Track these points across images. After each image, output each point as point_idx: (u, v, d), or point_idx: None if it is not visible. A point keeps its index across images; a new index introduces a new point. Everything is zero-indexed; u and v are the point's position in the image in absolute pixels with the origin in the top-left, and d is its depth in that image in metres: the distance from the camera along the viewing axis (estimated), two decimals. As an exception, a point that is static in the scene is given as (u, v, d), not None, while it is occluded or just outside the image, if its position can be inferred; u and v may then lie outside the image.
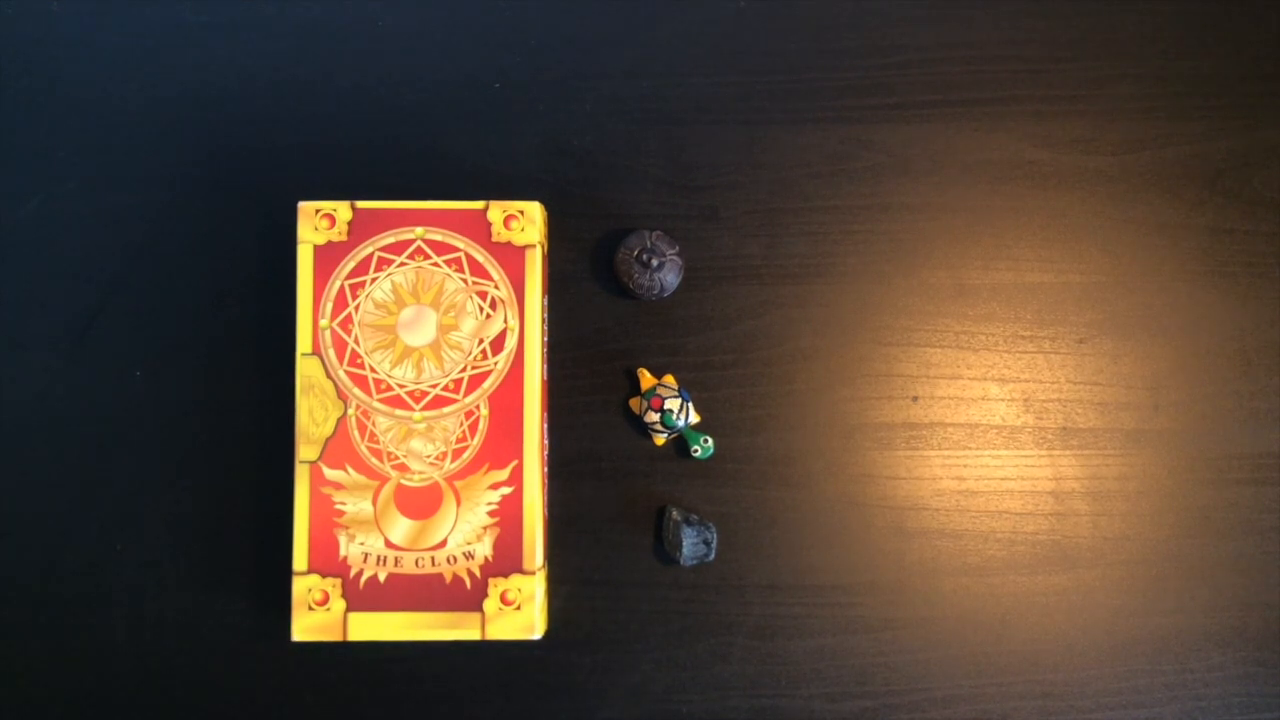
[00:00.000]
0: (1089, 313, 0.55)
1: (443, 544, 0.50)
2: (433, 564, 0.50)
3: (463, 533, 0.50)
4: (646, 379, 0.54)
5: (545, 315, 0.53)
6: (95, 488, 0.54)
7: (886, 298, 0.55)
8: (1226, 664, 0.54)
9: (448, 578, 0.49)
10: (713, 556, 0.53)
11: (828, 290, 0.55)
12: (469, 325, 0.51)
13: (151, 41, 0.56)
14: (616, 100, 0.56)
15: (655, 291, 0.53)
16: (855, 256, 0.55)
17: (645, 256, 0.52)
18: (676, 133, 0.56)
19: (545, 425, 0.52)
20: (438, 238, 0.51)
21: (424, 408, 0.50)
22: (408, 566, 0.49)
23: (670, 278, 0.53)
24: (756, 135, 0.56)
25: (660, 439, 0.54)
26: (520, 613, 0.49)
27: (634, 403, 0.54)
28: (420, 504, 0.50)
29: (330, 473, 0.50)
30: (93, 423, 0.54)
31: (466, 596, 0.49)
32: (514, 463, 0.50)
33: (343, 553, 0.49)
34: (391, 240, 0.51)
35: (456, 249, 0.51)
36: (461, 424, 0.50)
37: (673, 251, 0.53)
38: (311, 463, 0.50)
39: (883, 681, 0.53)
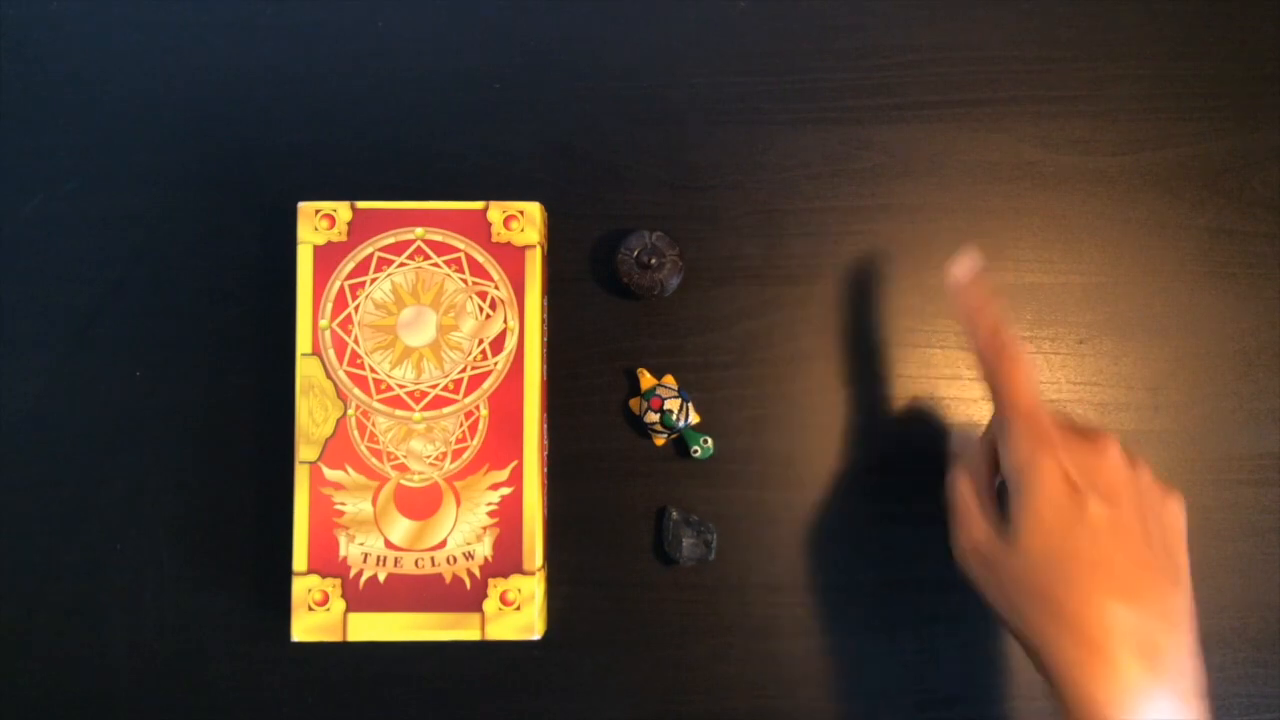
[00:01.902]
0: (1089, 313, 0.55)
1: (442, 544, 0.50)
2: (432, 564, 0.50)
3: (462, 533, 0.50)
4: (646, 379, 0.54)
5: (545, 315, 0.53)
6: (95, 488, 0.54)
7: (886, 298, 0.55)
8: (1226, 664, 0.54)
9: (447, 578, 0.50)
10: (713, 556, 0.53)
11: (828, 291, 0.55)
12: (469, 326, 0.51)
13: (151, 41, 0.56)
14: (616, 100, 0.56)
15: (655, 292, 0.53)
16: (855, 257, 0.55)
17: (645, 257, 0.52)
18: (676, 133, 0.56)
19: (545, 425, 0.52)
20: (438, 238, 0.51)
21: (424, 408, 0.50)
22: (407, 567, 0.50)
23: (670, 278, 0.53)
24: (756, 135, 0.56)
25: (660, 439, 0.54)
26: (520, 613, 0.49)
27: (634, 403, 0.54)
28: (420, 504, 0.50)
29: (330, 473, 0.50)
30: (93, 423, 0.54)
31: (466, 597, 0.49)
32: (514, 463, 0.50)
33: (342, 553, 0.50)
34: (391, 240, 0.51)
35: (456, 249, 0.51)
36: (461, 424, 0.50)
37: (673, 252, 0.53)
38: (311, 463, 0.50)
39: (883, 682, 0.53)
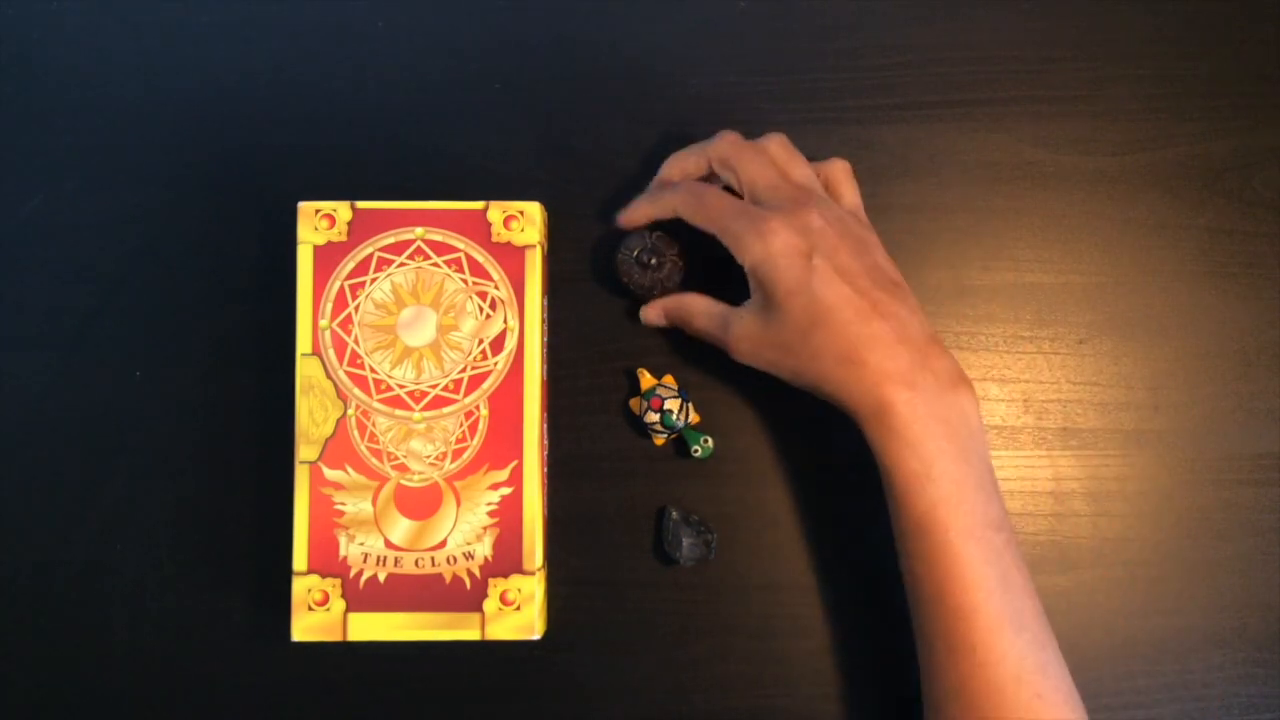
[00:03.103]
0: (1089, 313, 0.55)
1: (442, 544, 0.50)
2: (432, 564, 0.50)
3: (462, 533, 0.50)
4: (646, 379, 0.54)
5: (545, 315, 0.53)
6: (95, 488, 0.54)
7: (886, 298, 0.55)
8: (1226, 664, 0.54)
9: (447, 578, 0.50)
10: (712, 556, 0.53)
11: (828, 290, 0.55)
12: (469, 325, 0.51)
13: (151, 41, 0.56)
14: (616, 100, 0.56)
15: (655, 292, 0.53)
16: (855, 257, 0.55)
17: (645, 257, 0.52)
18: (677, 133, 0.56)
19: (545, 425, 0.52)
20: (438, 238, 0.51)
21: (424, 408, 0.50)
22: (407, 567, 0.50)
23: (670, 278, 0.53)
24: (756, 135, 0.56)
25: (660, 439, 0.54)
26: (520, 613, 0.49)
27: (634, 403, 0.54)
28: (420, 504, 0.50)
29: (330, 473, 0.50)
30: (93, 423, 0.54)
31: (466, 597, 0.49)
32: (514, 463, 0.50)
33: (343, 553, 0.50)
34: (391, 240, 0.51)
35: (456, 249, 0.51)
36: (461, 424, 0.50)
37: (672, 252, 0.53)
38: (311, 463, 0.50)
39: (883, 681, 0.53)
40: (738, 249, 0.48)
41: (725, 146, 0.50)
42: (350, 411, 0.50)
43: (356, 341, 0.50)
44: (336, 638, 0.49)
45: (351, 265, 0.51)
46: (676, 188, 0.51)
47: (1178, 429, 0.55)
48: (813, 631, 0.54)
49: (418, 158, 0.56)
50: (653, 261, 0.52)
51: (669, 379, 0.54)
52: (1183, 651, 0.54)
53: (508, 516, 0.50)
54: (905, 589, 0.46)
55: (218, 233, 0.55)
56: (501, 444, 0.50)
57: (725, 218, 0.48)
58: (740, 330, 0.49)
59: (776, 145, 0.51)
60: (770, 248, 0.46)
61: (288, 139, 0.56)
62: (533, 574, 0.50)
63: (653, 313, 0.53)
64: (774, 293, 0.47)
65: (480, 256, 0.51)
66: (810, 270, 0.46)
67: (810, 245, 0.46)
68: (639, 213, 0.52)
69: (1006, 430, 0.55)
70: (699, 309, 0.51)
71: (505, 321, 0.51)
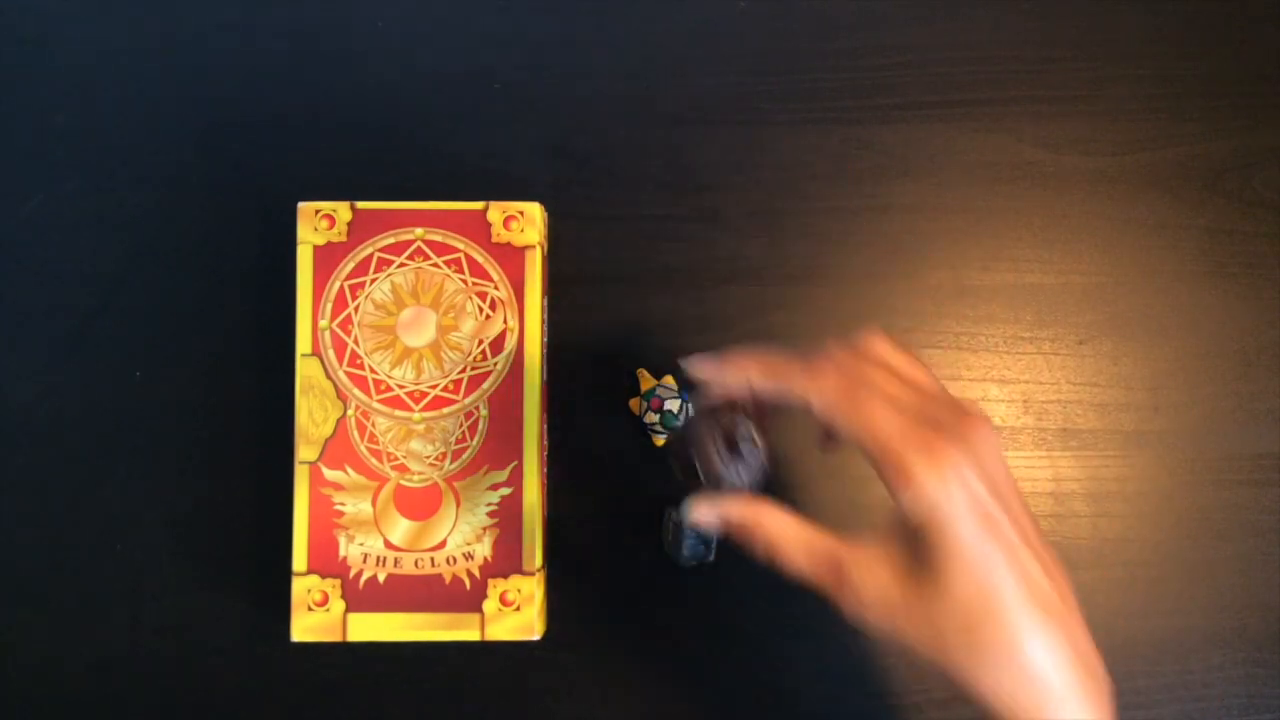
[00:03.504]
0: (1089, 313, 0.55)
1: (442, 545, 0.50)
2: (432, 565, 0.50)
3: (462, 533, 0.50)
4: (646, 379, 0.54)
5: (545, 315, 0.53)
6: (95, 488, 0.54)
7: (886, 299, 0.55)
8: (1226, 665, 0.54)
9: (447, 578, 0.50)
10: (712, 557, 0.53)
11: (828, 292, 0.55)
12: (469, 326, 0.51)
13: (151, 42, 0.56)
14: (616, 100, 0.56)
15: (723, 487, 0.41)
16: (855, 258, 0.55)
17: (743, 442, 0.40)
18: (676, 133, 0.56)
19: (545, 426, 0.52)
20: (438, 238, 0.51)
21: (424, 408, 0.50)
22: (407, 567, 0.50)
23: (756, 480, 0.41)
24: (756, 135, 0.56)
25: (660, 439, 0.54)
26: (520, 613, 0.49)
27: (634, 403, 0.54)
28: (420, 505, 0.50)
29: (330, 473, 0.50)
30: (93, 423, 0.54)
31: (466, 597, 0.49)
32: (514, 463, 0.50)
33: (342, 553, 0.50)
34: (391, 241, 0.51)
35: (456, 250, 0.51)
36: (461, 425, 0.50)
37: (765, 446, 0.41)
38: (311, 463, 0.50)
39: (883, 682, 0.53)
40: (901, 481, 0.35)
41: (847, 363, 0.38)
42: (350, 412, 0.50)
43: (356, 342, 0.50)
44: (336, 638, 0.49)
45: (351, 265, 0.51)
46: (821, 368, 0.38)
47: (1178, 429, 0.55)
48: (813, 631, 0.54)
49: (418, 158, 0.56)
50: (748, 450, 0.40)
51: (669, 379, 0.54)
52: (1183, 651, 0.54)
53: (507, 517, 0.50)
54: None
55: (218, 233, 0.55)
56: (501, 444, 0.50)
57: (890, 433, 0.36)
58: (869, 587, 0.37)
59: (883, 345, 0.39)
60: (952, 496, 0.35)
61: (288, 139, 0.56)
62: (533, 574, 0.50)
63: (709, 514, 0.41)
64: (941, 556, 0.35)
65: (480, 257, 0.51)
66: (1000, 546, 0.35)
67: (1002, 503, 0.35)
68: (758, 380, 0.39)
69: (1006, 431, 0.55)
70: (791, 535, 0.39)
71: (505, 322, 0.51)
